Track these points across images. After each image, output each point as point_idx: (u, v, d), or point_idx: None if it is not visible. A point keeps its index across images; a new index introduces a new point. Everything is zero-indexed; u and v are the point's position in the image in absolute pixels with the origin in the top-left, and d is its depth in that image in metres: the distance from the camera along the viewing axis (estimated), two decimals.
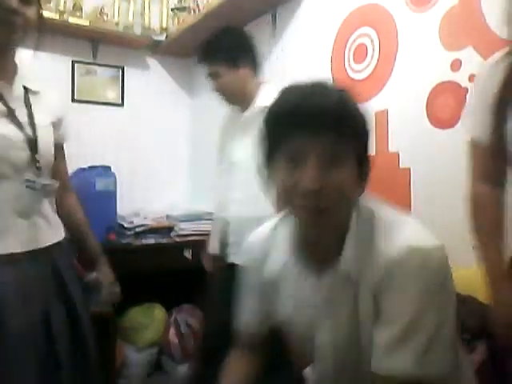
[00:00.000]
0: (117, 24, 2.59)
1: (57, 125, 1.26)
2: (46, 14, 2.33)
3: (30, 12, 1.13)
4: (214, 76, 1.72)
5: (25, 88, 1.19)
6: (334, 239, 0.77)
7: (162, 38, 2.69)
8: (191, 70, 2.88)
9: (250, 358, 0.98)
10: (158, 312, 2.45)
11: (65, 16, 2.39)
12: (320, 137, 0.70)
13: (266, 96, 1.70)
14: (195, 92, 2.93)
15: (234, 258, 1.70)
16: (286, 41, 2.14)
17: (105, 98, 2.69)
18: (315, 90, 0.74)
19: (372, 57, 1.69)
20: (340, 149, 0.71)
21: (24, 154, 1.12)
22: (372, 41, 1.70)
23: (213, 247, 1.87)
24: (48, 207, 1.20)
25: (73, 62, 2.59)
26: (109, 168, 2.37)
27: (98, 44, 2.63)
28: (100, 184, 2.27)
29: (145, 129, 2.77)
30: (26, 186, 1.12)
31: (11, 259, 1.07)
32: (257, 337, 0.98)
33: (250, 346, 0.99)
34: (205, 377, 1.85)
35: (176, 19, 2.68)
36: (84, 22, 2.46)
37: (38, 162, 1.14)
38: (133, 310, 2.41)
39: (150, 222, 2.38)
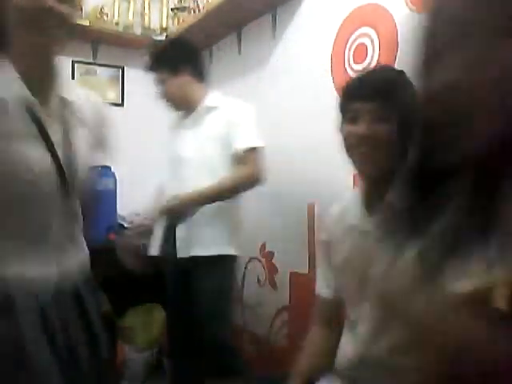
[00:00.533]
0: (117, 24, 2.60)
1: (95, 136, 1.14)
2: None
3: (68, 10, 0.95)
4: (158, 83, 1.87)
5: (61, 99, 1.04)
6: (382, 183, 0.95)
7: (162, 38, 2.69)
8: None
9: (325, 332, 1.15)
10: (158, 312, 2.45)
11: None
12: (370, 103, 0.98)
13: (213, 98, 1.86)
14: None
15: (183, 252, 1.80)
16: (286, 41, 2.14)
17: (105, 98, 2.69)
18: (375, 71, 1.15)
19: (372, 57, 1.69)
20: (384, 114, 0.97)
21: (53, 181, 1.00)
22: (372, 41, 1.70)
23: (154, 248, 1.92)
24: (75, 230, 1.11)
25: (73, 62, 2.59)
26: (109, 168, 2.37)
27: (97, 44, 2.63)
28: (100, 184, 2.27)
29: (145, 129, 2.77)
30: (54, 214, 1.02)
31: (32, 285, 0.99)
32: (328, 305, 1.16)
33: (325, 319, 1.17)
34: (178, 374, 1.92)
35: (176, 19, 2.68)
36: (84, 22, 2.46)
37: (69, 188, 1.03)
38: (133, 310, 2.41)
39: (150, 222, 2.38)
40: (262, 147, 1.75)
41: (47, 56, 1.01)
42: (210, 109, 1.83)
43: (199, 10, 2.47)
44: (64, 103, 1.04)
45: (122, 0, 2.63)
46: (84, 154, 1.08)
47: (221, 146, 1.76)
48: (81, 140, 1.07)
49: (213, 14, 2.23)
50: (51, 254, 1.02)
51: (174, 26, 2.66)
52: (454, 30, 0.52)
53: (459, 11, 0.51)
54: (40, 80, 1.00)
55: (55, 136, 1.01)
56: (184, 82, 1.84)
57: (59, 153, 1.01)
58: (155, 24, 2.74)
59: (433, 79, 0.55)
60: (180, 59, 1.86)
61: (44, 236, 1.02)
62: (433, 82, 0.55)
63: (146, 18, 2.72)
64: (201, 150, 1.79)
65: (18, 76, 0.96)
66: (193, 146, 1.83)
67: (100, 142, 1.17)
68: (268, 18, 2.21)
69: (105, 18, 2.55)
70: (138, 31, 2.69)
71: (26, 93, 0.97)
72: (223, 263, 1.79)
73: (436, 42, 0.54)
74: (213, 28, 2.37)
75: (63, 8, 0.94)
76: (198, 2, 2.52)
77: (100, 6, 2.54)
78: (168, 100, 1.90)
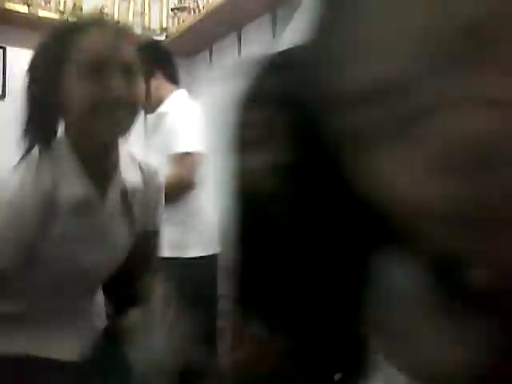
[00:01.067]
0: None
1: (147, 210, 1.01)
2: (46, 13, 2.34)
3: (139, 90, 0.88)
4: None
5: (122, 188, 0.92)
6: None
7: (162, 38, 2.69)
8: (191, 69, 2.89)
9: None
10: None
11: (65, 16, 2.40)
12: None
13: (170, 102, 1.84)
14: (195, 92, 2.93)
15: None
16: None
17: None
18: None
19: None
20: None
21: (100, 275, 0.93)
22: None
23: None
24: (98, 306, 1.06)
25: None
26: None
27: None
28: None
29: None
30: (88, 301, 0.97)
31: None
32: None
33: None
34: None
35: (176, 19, 2.68)
36: None
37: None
38: (133, 311, 2.40)
39: None
40: (199, 152, 1.72)
41: (111, 144, 0.90)
42: (161, 114, 1.83)
43: (199, 10, 2.47)
44: (124, 191, 0.93)
45: (121, 0, 2.63)
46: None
47: (165, 153, 1.74)
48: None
49: (213, 14, 2.23)
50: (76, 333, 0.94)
51: (174, 26, 2.66)
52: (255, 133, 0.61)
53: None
54: (102, 169, 0.89)
55: (117, 235, 0.91)
56: (157, 84, 1.84)
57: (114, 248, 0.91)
58: (155, 24, 2.74)
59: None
60: (152, 62, 1.83)
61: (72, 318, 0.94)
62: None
63: (146, 18, 2.72)
64: (153, 158, 1.81)
65: (79, 166, 0.86)
66: (146, 153, 1.86)
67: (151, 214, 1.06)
68: (268, 18, 2.21)
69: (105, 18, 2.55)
70: (138, 31, 2.69)
71: (86, 187, 0.86)
72: (181, 266, 1.75)
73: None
74: (213, 28, 2.37)
75: (131, 95, 0.85)
76: (198, 2, 2.52)
77: (100, 6, 2.54)
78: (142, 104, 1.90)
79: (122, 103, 0.83)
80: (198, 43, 2.56)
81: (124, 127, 0.87)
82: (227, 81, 0.68)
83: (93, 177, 0.86)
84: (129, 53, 0.88)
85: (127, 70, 0.84)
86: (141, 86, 0.89)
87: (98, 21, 0.90)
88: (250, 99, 0.64)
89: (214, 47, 2.64)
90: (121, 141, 0.91)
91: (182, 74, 2.94)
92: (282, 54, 0.68)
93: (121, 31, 0.91)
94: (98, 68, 0.81)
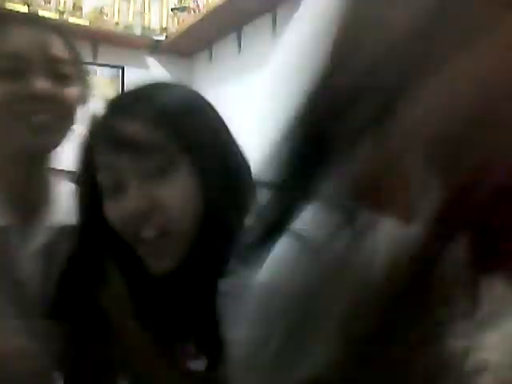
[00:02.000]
0: (117, 24, 2.60)
1: None
2: (46, 13, 2.34)
3: (70, 93, 0.73)
4: None
5: (51, 226, 0.73)
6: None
7: (162, 38, 2.70)
8: (191, 70, 2.89)
9: None
10: None
11: (65, 16, 2.40)
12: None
13: None
14: None
15: None
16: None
17: (105, 98, 2.69)
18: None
19: None
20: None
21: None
22: None
23: None
24: None
25: None
26: None
27: (97, 44, 2.63)
28: None
29: None
30: None
31: None
32: None
33: None
34: None
35: (176, 19, 2.68)
36: (84, 22, 2.46)
37: None
38: None
39: None
40: None
41: (36, 163, 0.73)
42: None
43: (199, 10, 2.47)
44: (54, 231, 0.73)
45: (122, 0, 2.63)
46: None
47: None
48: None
49: (213, 14, 2.23)
50: None
51: (174, 26, 2.66)
52: None
53: None
54: (24, 196, 0.72)
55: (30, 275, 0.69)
56: None
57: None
58: (155, 24, 2.74)
59: None
60: None
61: None
62: None
63: (146, 18, 2.72)
64: None
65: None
66: None
67: None
68: (268, 18, 2.21)
69: (105, 17, 2.55)
70: (137, 31, 2.69)
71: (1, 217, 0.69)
72: None
73: None
74: (213, 28, 2.37)
75: (63, 91, 0.71)
76: (198, 2, 2.52)
77: (100, 6, 2.54)
78: None
79: (45, 104, 0.69)
80: (198, 43, 2.56)
81: (49, 135, 0.71)
82: None
83: (14, 207, 0.70)
84: (57, 51, 0.73)
85: (55, 70, 0.71)
86: (76, 88, 0.75)
87: (26, 19, 0.79)
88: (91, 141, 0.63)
89: (214, 47, 2.64)
90: (52, 163, 0.75)
91: (182, 74, 2.95)
92: (128, 95, 0.66)
93: (52, 29, 0.76)
94: (16, 67, 0.69)
